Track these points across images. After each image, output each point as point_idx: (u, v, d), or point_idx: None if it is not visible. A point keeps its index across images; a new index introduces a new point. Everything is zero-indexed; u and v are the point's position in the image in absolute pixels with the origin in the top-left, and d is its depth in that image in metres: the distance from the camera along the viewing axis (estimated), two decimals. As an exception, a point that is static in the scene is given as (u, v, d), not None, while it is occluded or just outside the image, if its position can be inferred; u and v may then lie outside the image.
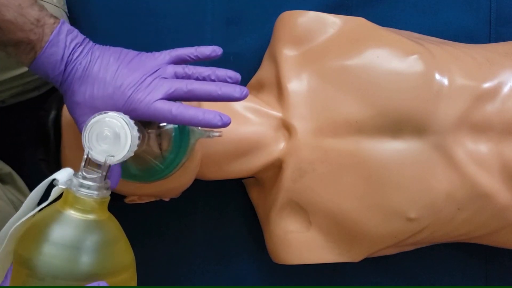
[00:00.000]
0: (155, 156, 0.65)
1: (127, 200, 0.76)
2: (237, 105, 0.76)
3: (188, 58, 0.63)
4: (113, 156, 0.52)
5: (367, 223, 0.73)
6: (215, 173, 0.76)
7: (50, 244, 0.50)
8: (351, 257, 0.77)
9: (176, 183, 0.70)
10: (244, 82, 0.86)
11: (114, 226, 0.55)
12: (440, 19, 0.89)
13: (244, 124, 0.75)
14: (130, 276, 0.55)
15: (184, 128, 0.65)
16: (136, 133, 0.54)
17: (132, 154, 0.54)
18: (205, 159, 0.72)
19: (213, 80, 0.62)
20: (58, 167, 0.70)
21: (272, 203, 0.77)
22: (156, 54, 0.62)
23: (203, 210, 0.89)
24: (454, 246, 0.87)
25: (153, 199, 0.76)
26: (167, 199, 0.77)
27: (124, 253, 0.55)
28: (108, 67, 0.58)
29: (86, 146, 0.52)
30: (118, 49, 0.61)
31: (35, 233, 0.51)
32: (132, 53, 0.61)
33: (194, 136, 0.65)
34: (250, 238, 0.89)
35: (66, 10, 0.83)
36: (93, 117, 0.53)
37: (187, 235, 0.89)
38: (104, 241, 0.52)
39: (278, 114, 0.76)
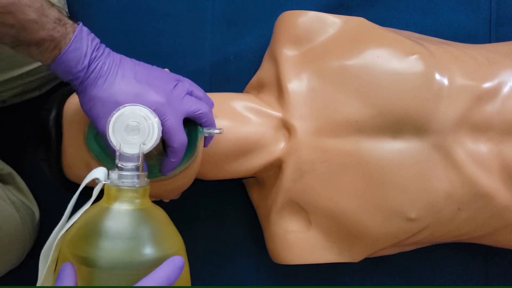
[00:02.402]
0: (162, 152, 0.65)
1: (127, 200, 0.76)
2: (237, 105, 0.76)
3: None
4: (145, 144, 0.54)
5: (367, 223, 0.73)
6: (215, 173, 0.77)
7: (108, 239, 0.51)
8: (351, 257, 0.77)
9: (177, 183, 0.70)
10: (244, 82, 0.86)
11: (160, 212, 0.56)
12: (440, 19, 0.89)
13: (245, 124, 0.75)
14: (185, 257, 0.56)
15: (191, 126, 0.65)
16: (159, 120, 0.56)
17: (159, 140, 0.56)
18: (206, 159, 0.72)
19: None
20: (59, 167, 0.71)
21: (272, 203, 0.77)
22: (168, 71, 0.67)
23: (203, 210, 0.89)
24: (454, 246, 0.87)
25: (152, 199, 0.76)
26: (166, 200, 0.77)
27: (175, 236, 0.56)
28: (130, 69, 0.61)
29: (115, 141, 0.54)
30: (132, 59, 0.64)
31: (89, 233, 0.52)
32: (143, 63, 0.65)
33: (198, 134, 0.66)
34: (250, 238, 0.89)
35: (67, 10, 0.83)
36: (115, 113, 0.54)
37: (187, 235, 0.88)
38: (156, 227, 0.54)
39: (278, 114, 0.76)
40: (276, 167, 0.77)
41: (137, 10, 0.89)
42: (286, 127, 0.76)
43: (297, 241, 0.77)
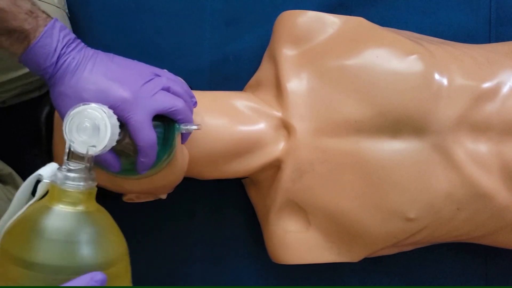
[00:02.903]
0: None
1: (125, 199, 0.75)
2: (238, 104, 0.76)
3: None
4: (94, 146, 0.52)
5: (367, 223, 0.73)
6: (213, 172, 0.76)
7: (43, 241, 0.50)
8: (350, 257, 0.77)
9: (162, 181, 0.69)
10: (243, 81, 0.86)
11: (104, 217, 0.55)
12: (440, 19, 0.89)
13: (245, 123, 0.75)
14: (125, 265, 0.55)
15: (168, 124, 0.64)
16: (115, 122, 0.54)
17: (114, 143, 0.54)
18: (204, 158, 0.72)
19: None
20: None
21: (271, 203, 0.77)
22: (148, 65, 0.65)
23: (203, 210, 0.89)
24: (454, 246, 0.87)
25: (151, 199, 0.76)
26: (164, 197, 0.77)
27: (118, 243, 0.55)
28: (101, 64, 0.59)
29: (67, 138, 0.52)
30: (109, 53, 0.62)
31: (25, 231, 0.51)
32: (122, 57, 0.63)
33: (175, 131, 0.64)
34: (250, 238, 0.88)
35: (67, 10, 0.84)
36: (73, 109, 0.53)
37: (186, 235, 0.89)
38: (97, 232, 0.52)
39: (278, 113, 0.76)
40: (275, 167, 0.76)
41: (136, 9, 0.89)
42: (286, 127, 0.76)
43: (296, 241, 0.77)
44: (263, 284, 0.89)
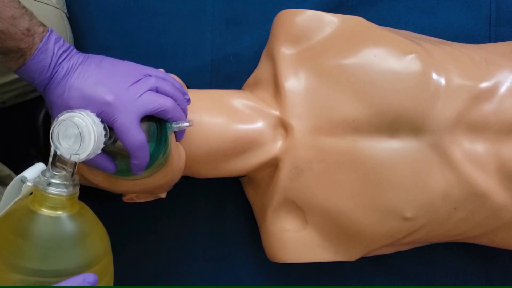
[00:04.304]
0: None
1: (125, 199, 0.76)
2: (236, 103, 0.76)
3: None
4: (78, 154, 0.53)
5: (363, 222, 0.73)
6: (211, 171, 0.76)
7: (25, 245, 0.50)
8: (347, 256, 0.77)
9: (161, 180, 0.69)
10: (244, 81, 0.86)
11: (86, 217, 0.55)
12: (440, 19, 0.89)
13: (243, 122, 0.75)
14: (107, 261, 0.56)
15: (161, 124, 0.64)
16: (101, 130, 0.55)
17: (99, 151, 0.55)
18: (202, 156, 0.72)
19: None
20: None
21: (269, 201, 0.77)
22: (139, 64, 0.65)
23: (202, 209, 0.89)
24: (453, 246, 0.87)
25: (151, 198, 0.76)
26: (163, 196, 0.77)
27: (100, 241, 0.55)
28: (88, 70, 0.60)
29: (52, 144, 0.53)
30: (100, 56, 0.62)
31: (7, 232, 0.51)
32: (113, 59, 0.63)
33: (167, 130, 0.64)
34: (250, 237, 0.88)
35: (66, 11, 0.83)
36: (61, 115, 0.53)
37: (186, 235, 0.89)
38: (79, 235, 0.53)
39: (276, 112, 0.76)
40: (273, 165, 0.76)
41: (136, 9, 0.89)
42: (284, 126, 0.76)
43: (293, 240, 0.77)
44: (263, 283, 0.89)
